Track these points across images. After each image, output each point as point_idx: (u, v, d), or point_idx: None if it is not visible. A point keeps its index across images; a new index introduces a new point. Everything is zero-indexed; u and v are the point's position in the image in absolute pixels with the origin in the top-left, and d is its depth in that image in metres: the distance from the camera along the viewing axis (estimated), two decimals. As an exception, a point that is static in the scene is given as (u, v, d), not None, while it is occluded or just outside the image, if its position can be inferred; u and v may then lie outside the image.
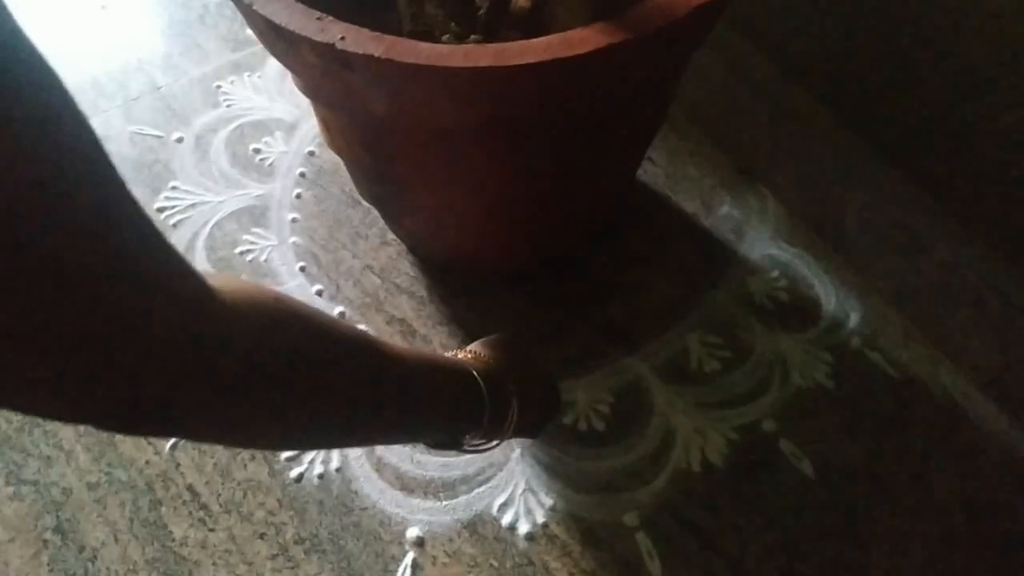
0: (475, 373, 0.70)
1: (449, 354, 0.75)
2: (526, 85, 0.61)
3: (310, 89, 0.74)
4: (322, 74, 0.66)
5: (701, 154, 1.17)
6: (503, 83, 0.61)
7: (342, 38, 0.61)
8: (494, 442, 0.73)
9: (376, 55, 0.60)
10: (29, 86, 0.28)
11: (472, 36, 0.78)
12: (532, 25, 0.77)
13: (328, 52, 0.62)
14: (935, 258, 0.91)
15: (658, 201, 1.12)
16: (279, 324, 0.48)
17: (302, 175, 1.16)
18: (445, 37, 0.78)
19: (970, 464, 0.89)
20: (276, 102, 1.26)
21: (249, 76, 1.30)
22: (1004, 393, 0.93)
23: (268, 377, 0.46)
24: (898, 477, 0.88)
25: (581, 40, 0.61)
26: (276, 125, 1.23)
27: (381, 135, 0.74)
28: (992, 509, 0.86)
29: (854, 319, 1.00)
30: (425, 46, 0.60)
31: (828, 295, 1.02)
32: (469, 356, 0.74)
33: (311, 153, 1.18)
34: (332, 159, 1.14)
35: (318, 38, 0.61)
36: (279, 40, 0.66)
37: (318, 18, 0.63)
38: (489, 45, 0.61)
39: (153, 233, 0.36)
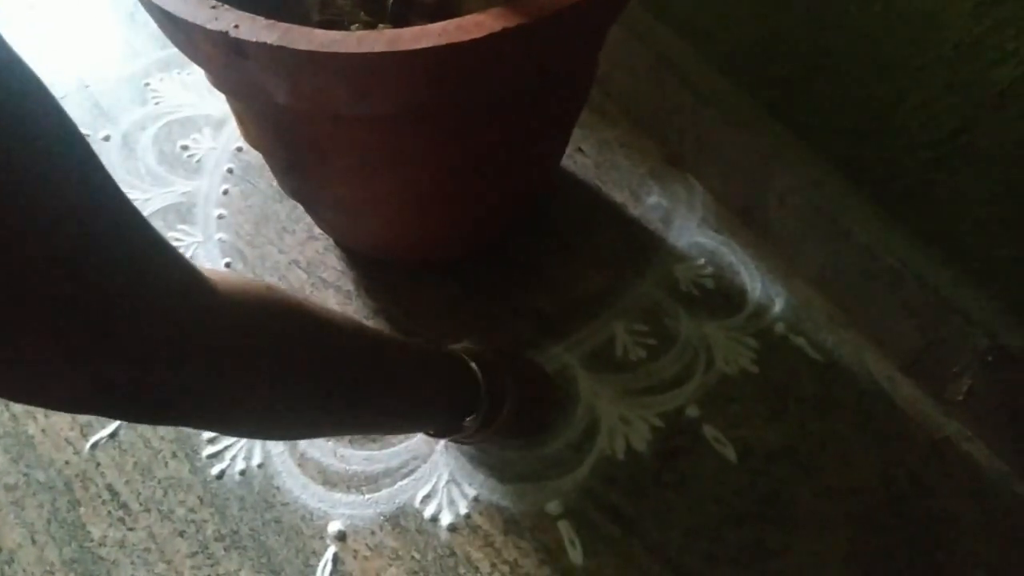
0: (465, 357, 0.74)
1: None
2: (421, 71, 0.61)
3: (215, 80, 0.74)
4: (220, 64, 0.65)
5: (630, 144, 1.18)
6: (397, 69, 0.60)
7: (236, 26, 0.60)
8: (494, 427, 0.75)
9: (269, 42, 0.59)
10: (21, 95, 0.31)
11: (381, 25, 0.78)
12: (442, 13, 0.77)
13: (222, 40, 0.61)
14: (855, 242, 0.92)
15: (587, 191, 1.12)
16: (269, 311, 0.50)
17: (230, 171, 1.15)
18: (354, 26, 0.77)
19: (893, 446, 0.90)
20: (205, 99, 1.25)
21: (178, 73, 1.29)
22: (924, 374, 0.94)
23: (260, 361, 0.48)
24: (821, 460, 0.89)
25: (476, 25, 0.61)
26: (204, 121, 1.22)
27: (287, 125, 0.74)
28: (914, 489, 0.87)
29: (779, 304, 1.01)
30: (319, 33, 0.60)
31: (753, 281, 1.03)
32: (457, 347, 0.77)
33: (239, 149, 1.17)
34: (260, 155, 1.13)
35: (211, 26, 0.61)
36: (176, 30, 0.65)
37: (212, 7, 0.62)
38: (385, 31, 0.61)
39: (142, 225, 0.39)
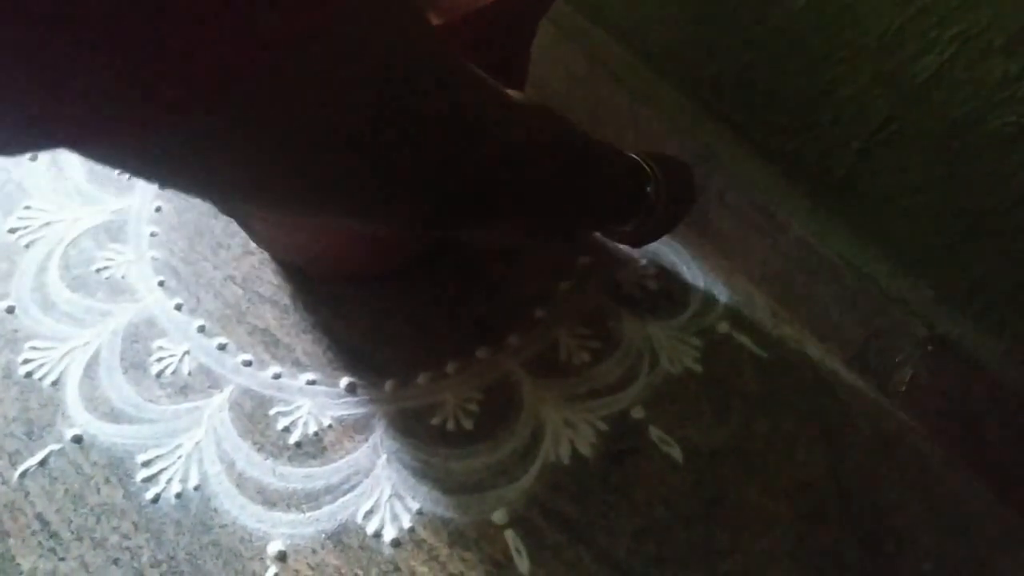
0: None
1: None
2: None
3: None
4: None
5: (570, 147, 1.17)
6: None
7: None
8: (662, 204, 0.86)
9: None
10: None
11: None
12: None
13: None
14: (793, 237, 0.92)
15: (527, 196, 1.11)
16: (543, 120, 0.64)
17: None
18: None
19: (839, 440, 0.90)
20: (136, 115, 1.22)
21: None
22: (867, 366, 0.94)
23: (543, 159, 0.62)
24: (767, 458, 0.89)
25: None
26: (136, 138, 1.19)
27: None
28: (861, 483, 0.87)
29: (722, 302, 1.00)
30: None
31: (696, 280, 1.03)
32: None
33: (172, 165, 1.14)
34: (193, 170, 1.10)
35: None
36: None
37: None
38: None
39: (459, 61, 0.47)
